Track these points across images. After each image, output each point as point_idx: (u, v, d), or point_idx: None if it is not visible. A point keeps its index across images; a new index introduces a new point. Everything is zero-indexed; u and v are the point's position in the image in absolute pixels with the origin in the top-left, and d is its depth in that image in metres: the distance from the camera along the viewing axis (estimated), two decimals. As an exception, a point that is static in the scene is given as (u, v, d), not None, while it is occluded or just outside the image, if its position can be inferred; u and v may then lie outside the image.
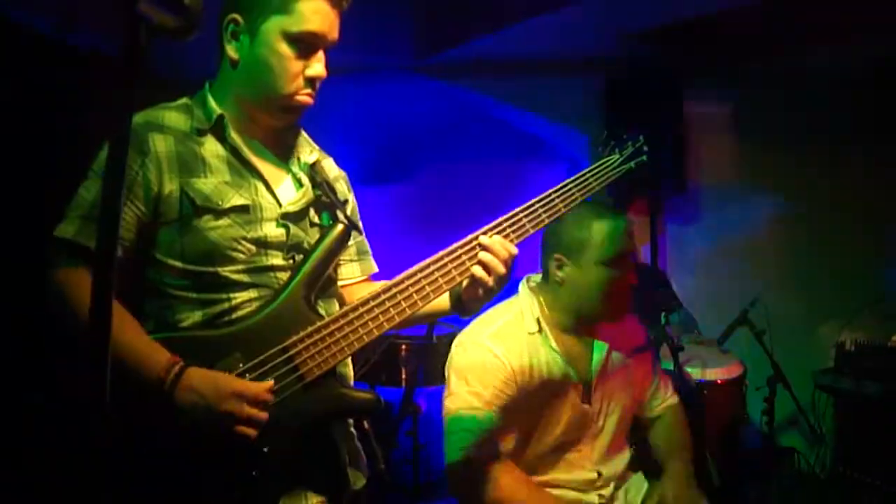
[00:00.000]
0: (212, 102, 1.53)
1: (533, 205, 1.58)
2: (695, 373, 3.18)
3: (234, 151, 1.52)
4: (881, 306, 3.71)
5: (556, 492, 2.04)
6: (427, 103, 4.17)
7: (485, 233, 1.55)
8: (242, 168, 1.52)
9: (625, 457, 2.19)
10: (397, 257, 1.84)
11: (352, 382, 1.65)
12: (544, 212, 1.59)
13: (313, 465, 1.51)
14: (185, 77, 1.72)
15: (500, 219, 1.57)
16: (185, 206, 1.44)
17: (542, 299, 2.08)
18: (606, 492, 2.10)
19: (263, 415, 1.37)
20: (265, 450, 1.40)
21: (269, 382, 1.41)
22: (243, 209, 1.48)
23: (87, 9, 2.21)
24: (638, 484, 2.19)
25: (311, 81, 1.51)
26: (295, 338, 1.45)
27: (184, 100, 1.57)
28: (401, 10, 3.19)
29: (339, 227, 1.54)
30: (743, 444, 3.45)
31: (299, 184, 1.61)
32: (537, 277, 2.15)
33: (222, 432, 1.35)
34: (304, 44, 1.48)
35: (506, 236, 1.55)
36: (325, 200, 1.62)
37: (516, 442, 2.00)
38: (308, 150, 1.66)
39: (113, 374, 1.36)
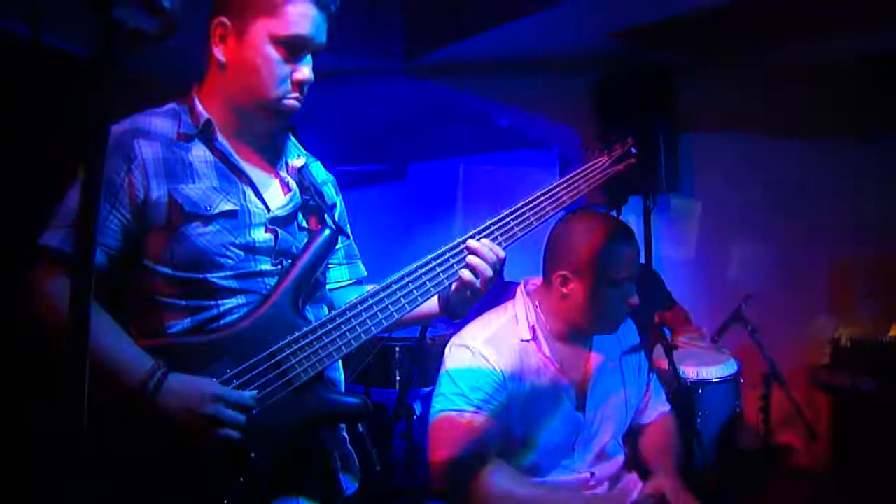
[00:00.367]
0: (199, 107, 1.52)
1: (521, 208, 1.58)
2: (689, 371, 3.18)
3: (221, 156, 1.52)
4: (877, 302, 3.71)
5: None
6: (417, 103, 4.16)
7: (472, 236, 1.55)
8: (230, 173, 1.52)
9: (619, 458, 2.18)
10: (387, 260, 1.84)
11: (343, 387, 1.65)
12: (532, 215, 1.59)
13: (304, 470, 1.51)
14: (174, 79, 1.71)
15: (488, 222, 1.57)
16: (173, 212, 1.44)
17: (539, 306, 2.07)
18: (601, 491, 2.10)
19: (242, 418, 1.37)
20: (252, 455, 1.39)
21: (252, 390, 1.41)
22: (231, 214, 1.48)
23: (62, 10, 2.19)
24: (633, 482, 2.18)
25: (298, 85, 1.51)
26: (282, 343, 1.44)
27: (170, 104, 1.56)
28: (389, 13, 3.18)
29: (327, 231, 1.54)
30: (739, 442, 3.45)
31: (287, 188, 1.60)
32: (537, 281, 2.13)
33: (203, 436, 1.36)
34: (292, 47, 1.47)
35: (494, 239, 1.55)
36: (313, 205, 1.61)
37: (509, 448, 1.99)
38: (296, 154, 1.65)
39: (97, 380, 1.36)
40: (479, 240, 1.54)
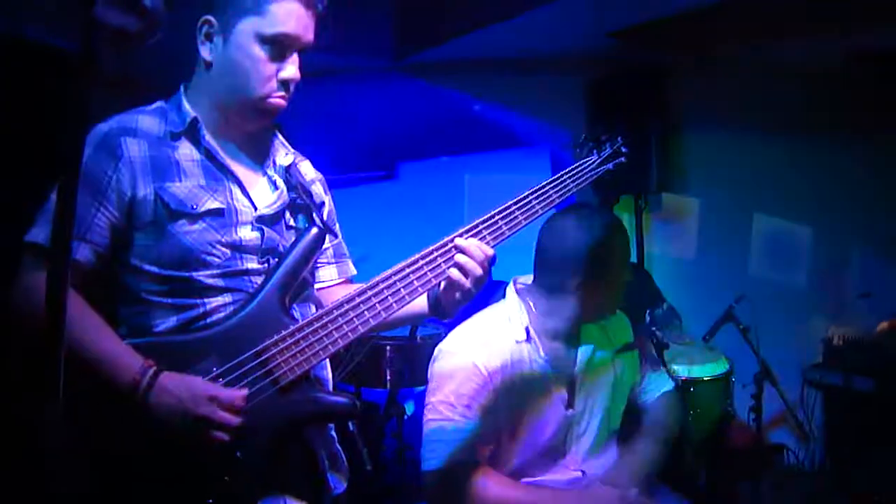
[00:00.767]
0: (186, 105, 1.52)
1: (509, 207, 1.58)
2: (681, 370, 3.18)
3: (208, 154, 1.52)
4: (869, 301, 3.71)
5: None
6: (408, 103, 4.15)
7: (460, 235, 1.54)
8: (217, 171, 1.52)
9: (611, 454, 2.17)
10: (377, 258, 1.83)
11: (331, 386, 1.65)
12: (521, 214, 1.58)
13: (291, 470, 1.50)
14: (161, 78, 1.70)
15: (477, 221, 1.56)
16: (159, 210, 1.44)
17: (532, 304, 2.04)
18: (592, 489, 2.09)
19: (234, 419, 1.36)
20: (238, 454, 1.39)
21: (245, 390, 1.40)
22: (218, 213, 1.48)
23: (42, 7, 2.18)
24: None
25: (284, 84, 1.51)
26: (269, 342, 1.44)
27: (158, 103, 1.56)
28: (380, 11, 3.17)
29: (314, 230, 1.54)
30: (731, 442, 3.45)
31: (275, 186, 1.60)
32: (526, 279, 2.11)
33: (196, 437, 1.35)
34: (278, 46, 1.47)
35: (482, 238, 1.55)
36: (300, 203, 1.61)
37: (500, 449, 1.98)
38: (283, 153, 1.65)
39: (86, 378, 1.35)
40: (466, 238, 1.53)
